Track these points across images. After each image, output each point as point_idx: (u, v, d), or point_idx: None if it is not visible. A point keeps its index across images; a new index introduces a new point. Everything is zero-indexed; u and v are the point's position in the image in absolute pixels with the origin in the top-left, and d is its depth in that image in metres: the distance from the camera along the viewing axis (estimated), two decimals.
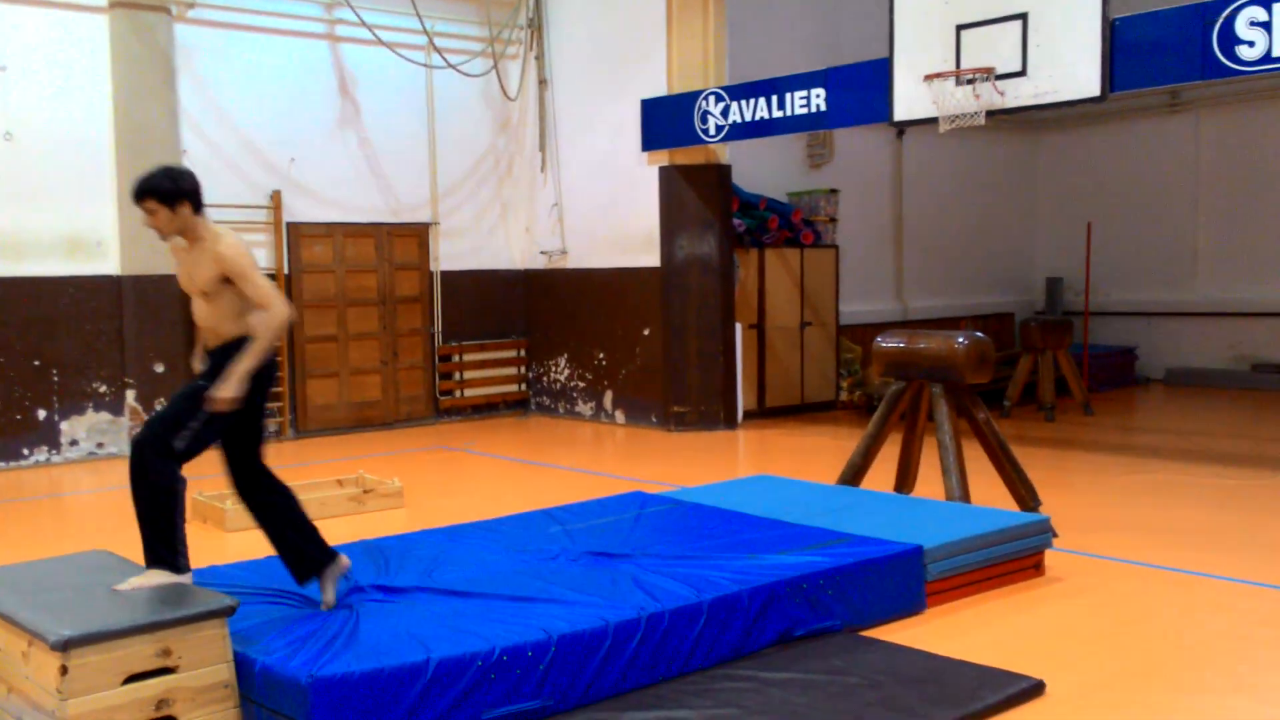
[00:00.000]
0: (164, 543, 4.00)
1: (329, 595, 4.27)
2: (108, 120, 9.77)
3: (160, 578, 3.96)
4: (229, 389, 4.02)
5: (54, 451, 9.63)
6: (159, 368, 10.04)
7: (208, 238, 4.16)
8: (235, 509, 6.93)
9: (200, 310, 4.22)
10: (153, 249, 9.94)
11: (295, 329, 10.80)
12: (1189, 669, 4.29)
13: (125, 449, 9.89)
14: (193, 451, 4.07)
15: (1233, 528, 6.52)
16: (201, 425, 4.04)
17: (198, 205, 4.20)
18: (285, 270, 10.71)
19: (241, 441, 4.25)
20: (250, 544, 6.40)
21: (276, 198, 10.62)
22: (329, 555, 4.32)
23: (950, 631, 4.73)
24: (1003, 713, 3.85)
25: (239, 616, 3.89)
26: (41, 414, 9.57)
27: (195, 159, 10.19)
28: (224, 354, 4.13)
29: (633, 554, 4.95)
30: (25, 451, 9.49)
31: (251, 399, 4.12)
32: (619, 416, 11.46)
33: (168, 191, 4.14)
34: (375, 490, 7.47)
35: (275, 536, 4.33)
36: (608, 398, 11.57)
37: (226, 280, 4.13)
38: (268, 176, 10.64)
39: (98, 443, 9.82)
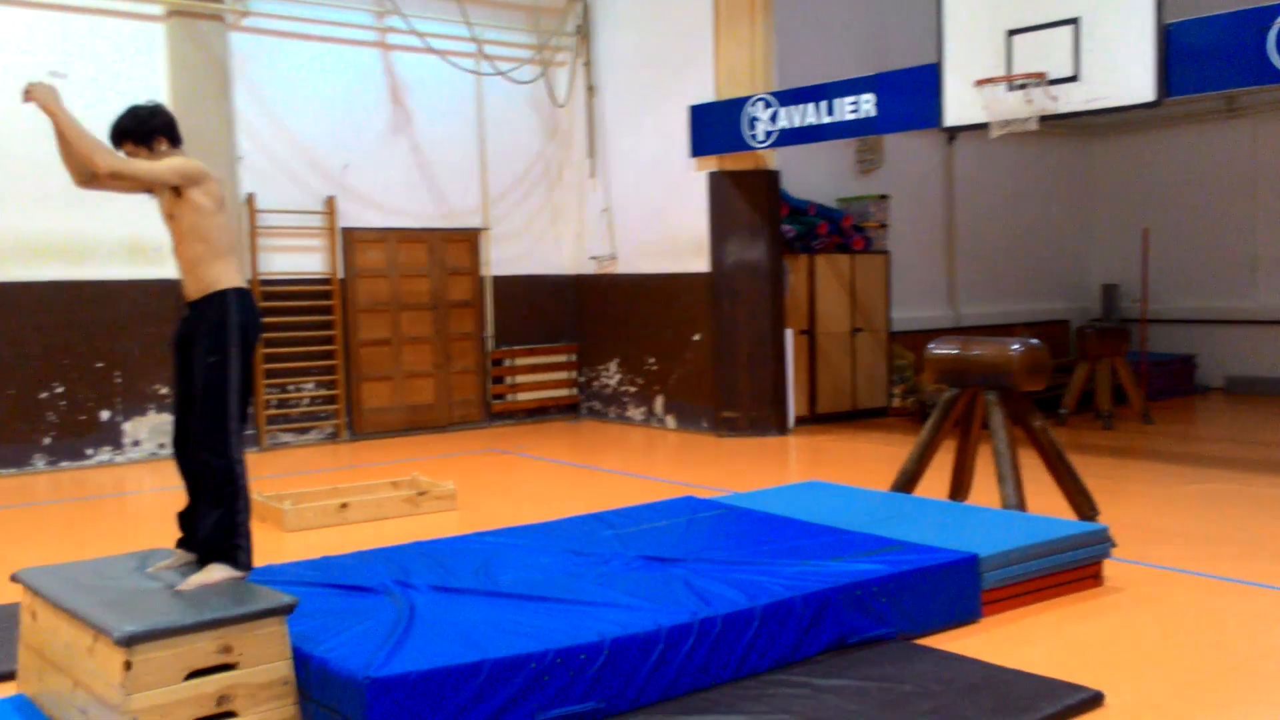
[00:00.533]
0: (226, 536, 4.03)
1: (194, 579, 3.94)
2: None
3: (221, 573, 4.02)
4: (43, 92, 3.95)
5: (117, 451, 9.82)
6: None
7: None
8: (294, 509, 7.03)
9: (176, 248, 4.12)
10: None
11: (350, 333, 10.93)
12: (1250, 682, 4.21)
13: None
14: (241, 428, 4.05)
15: None
16: (233, 401, 4.01)
17: (175, 139, 4.16)
18: (340, 275, 10.84)
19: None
20: (309, 543, 6.50)
21: (331, 204, 10.76)
22: (231, 557, 4.05)
23: (1006, 641, 4.68)
24: None
25: (297, 614, 3.95)
26: (105, 415, 9.76)
27: (251, 165, 10.37)
28: (206, 304, 4.05)
29: (685, 559, 4.95)
30: (89, 451, 9.69)
31: (224, 359, 4.01)
32: (670, 421, 11.46)
33: (141, 131, 4.10)
34: (429, 493, 7.54)
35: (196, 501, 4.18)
36: (658, 403, 11.58)
37: (175, 191, 4.04)
38: (322, 183, 10.79)
39: (159, 443, 9.99)
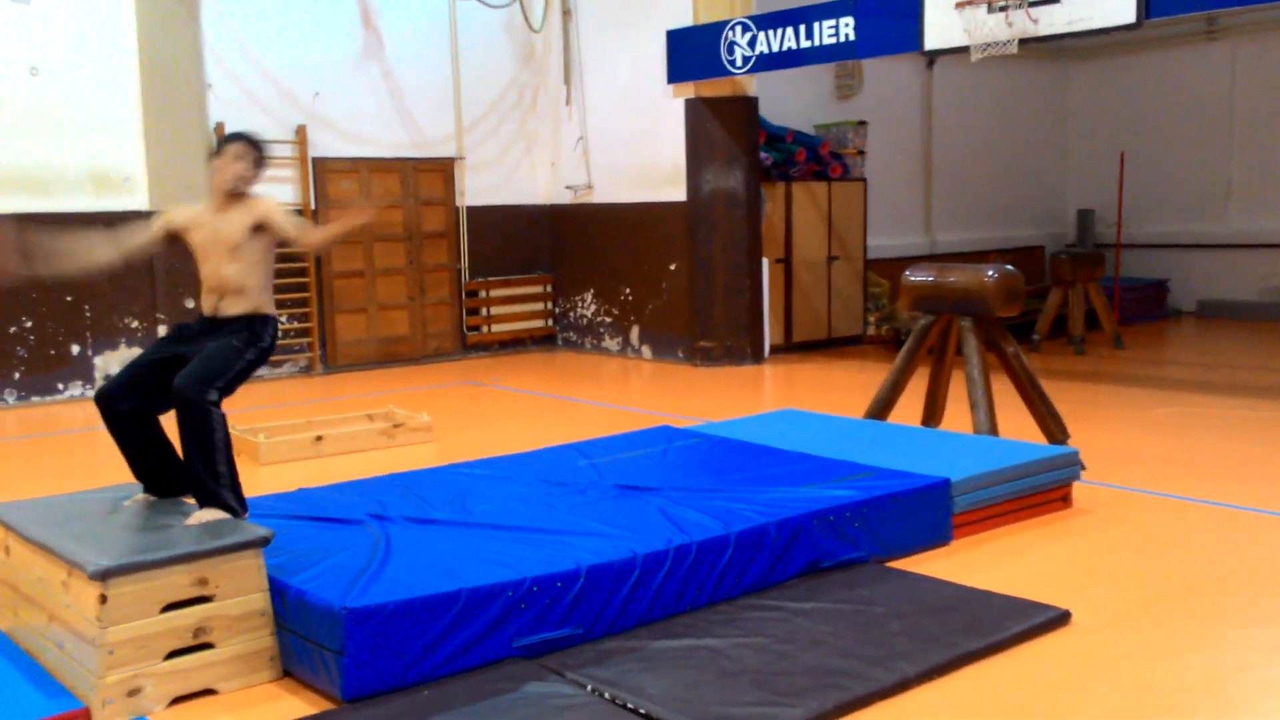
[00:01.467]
0: (210, 484, 4.05)
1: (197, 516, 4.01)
2: (132, 54, 9.75)
3: (216, 515, 4.01)
4: (358, 217, 4.45)
5: (88, 386, 9.76)
6: (190, 303, 10.11)
7: (250, 199, 4.41)
8: (269, 442, 7.02)
9: (222, 270, 4.31)
10: (182, 184, 9.98)
11: (323, 264, 10.84)
12: (1216, 599, 4.30)
13: None
14: (225, 394, 4.16)
15: (1262, 460, 6.49)
16: (234, 376, 4.20)
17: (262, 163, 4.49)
18: (312, 206, 10.71)
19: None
20: (284, 476, 6.50)
21: (301, 133, 10.59)
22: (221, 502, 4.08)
23: (977, 563, 4.76)
24: (1028, 641, 3.88)
25: (274, 547, 3.96)
26: (75, 349, 9.68)
27: (220, 94, 10.19)
28: (232, 322, 4.27)
29: (660, 488, 4.98)
30: (60, 386, 9.63)
31: (243, 353, 4.23)
32: (645, 352, 11.47)
33: (261, 149, 4.44)
34: (405, 424, 7.54)
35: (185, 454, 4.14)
36: (634, 333, 11.58)
37: (258, 229, 4.31)
38: (292, 111, 10.61)
39: None
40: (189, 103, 10.02)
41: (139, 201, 9.86)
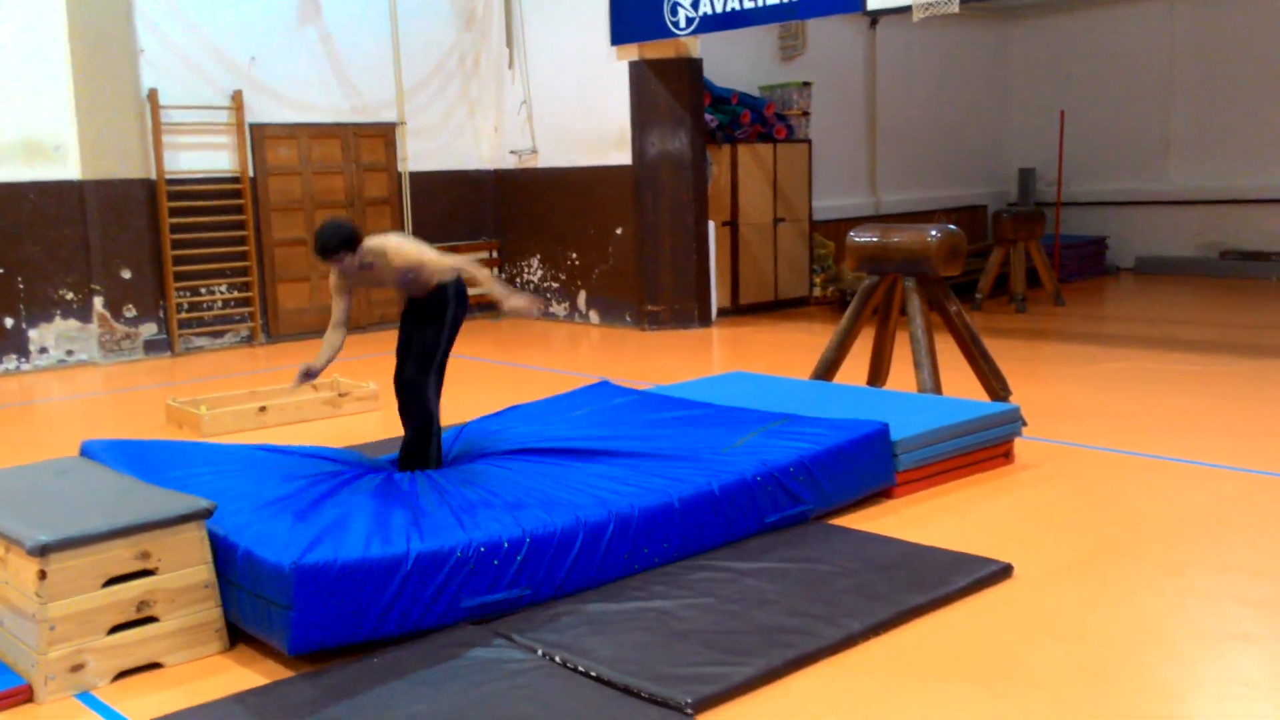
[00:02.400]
0: (420, 464, 4.96)
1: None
2: (60, 19, 9.48)
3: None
4: (518, 299, 5.37)
5: (23, 359, 9.56)
6: (126, 274, 9.93)
7: (376, 253, 5.06)
8: (211, 414, 6.93)
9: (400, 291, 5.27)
10: (116, 153, 9.77)
11: (263, 232, 10.67)
12: (1156, 549, 4.39)
13: (96, 356, 9.83)
14: (439, 381, 5.13)
15: (1198, 413, 6.63)
16: (441, 358, 5.13)
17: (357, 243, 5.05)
18: (250, 173, 10.53)
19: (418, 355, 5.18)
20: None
21: (238, 98, 10.38)
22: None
23: (921, 519, 4.82)
24: (972, 595, 3.94)
25: (222, 509, 3.92)
26: (9, 322, 9.47)
27: (153, 58, 9.95)
28: (426, 301, 5.17)
29: (604, 449, 4.98)
30: None
31: (443, 327, 5.13)
32: (593, 316, 11.45)
33: (351, 239, 4.99)
34: (351, 394, 7.47)
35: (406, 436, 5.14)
36: (581, 298, 11.54)
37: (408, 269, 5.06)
38: (228, 76, 10.40)
39: (67, 350, 9.75)
40: (121, 69, 9.77)
41: (71, 170, 9.63)
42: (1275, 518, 4.72)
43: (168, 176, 10.03)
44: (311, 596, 3.45)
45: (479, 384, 8.51)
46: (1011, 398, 6.39)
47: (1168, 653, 3.48)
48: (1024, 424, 5.68)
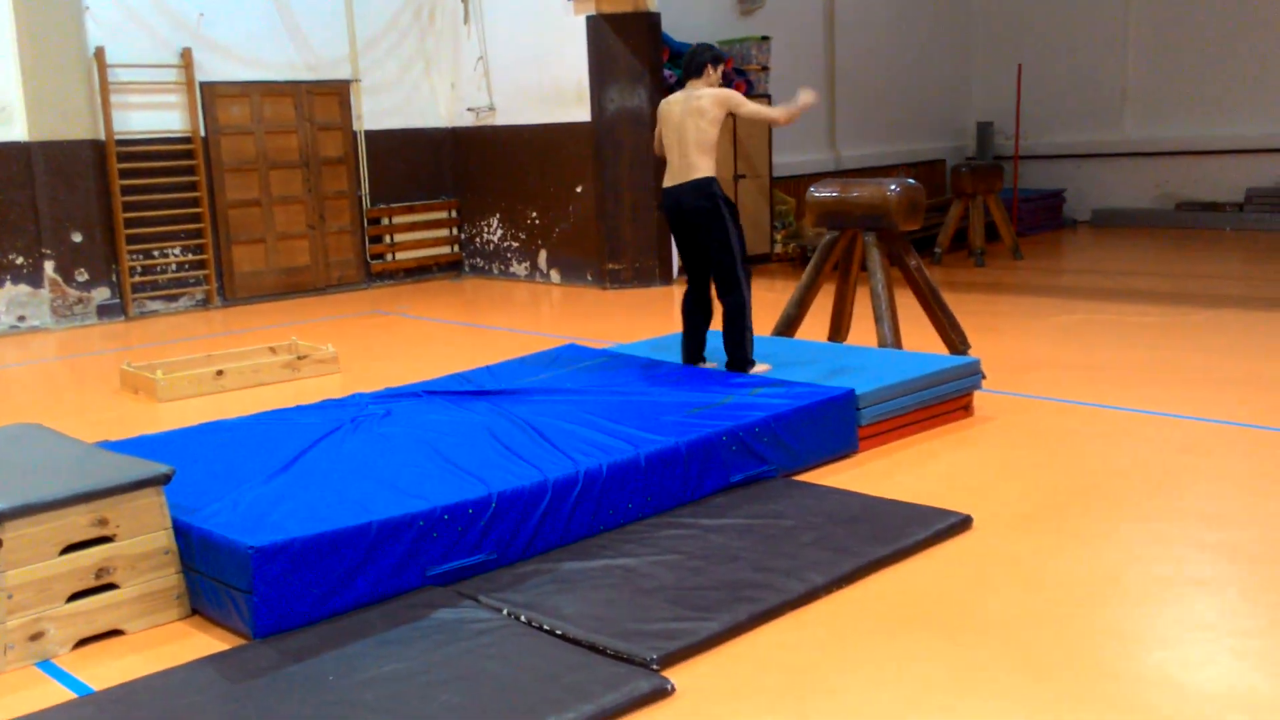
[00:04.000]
0: (741, 356, 5.59)
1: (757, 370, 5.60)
2: None
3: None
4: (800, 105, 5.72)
5: None
6: (77, 237, 9.74)
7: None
8: (167, 378, 6.84)
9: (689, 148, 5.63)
10: (63, 113, 9.55)
11: (216, 193, 10.49)
12: (1114, 498, 4.46)
13: (48, 322, 9.66)
14: (747, 269, 5.64)
15: (1154, 363, 6.72)
16: (741, 253, 5.60)
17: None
18: (202, 133, 10.33)
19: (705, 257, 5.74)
20: (185, 413, 6.35)
21: (187, 56, 10.16)
22: (747, 362, 5.63)
23: (883, 473, 4.86)
24: (933, 546, 3.98)
25: (178, 484, 3.87)
26: None
27: (99, 15, 9.72)
28: (695, 187, 5.59)
29: (569, 409, 4.97)
30: None
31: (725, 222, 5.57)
32: (554, 276, 11.39)
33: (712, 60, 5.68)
34: (309, 356, 7.40)
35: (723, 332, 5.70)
36: (542, 257, 11.47)
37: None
38: (176, 33, 10.17)
39: (19, 316, 9.57)
40: (66, 26, 9.53)
41: (17, 132, 9.41)
42: (1230, 465, 4.80)
43: (117, 137, 9.82)
44: (273, 578, 3.42)
45: (441, 345, 8.45)
46: (971, 351, 6.44)
47: (1126, 599, 3.54)
48: (983, 377, 5.73)
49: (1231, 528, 4.08)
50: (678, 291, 10.42)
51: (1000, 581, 3.71)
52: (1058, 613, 3.46)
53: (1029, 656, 3.18)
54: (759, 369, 5.63)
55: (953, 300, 6.93)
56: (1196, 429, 5.34)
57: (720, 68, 5.70)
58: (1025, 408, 5.82)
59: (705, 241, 5.65)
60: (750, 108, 5.59)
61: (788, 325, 6.74)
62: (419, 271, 12.03)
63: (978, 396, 5.76)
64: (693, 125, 5.57)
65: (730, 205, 5.62)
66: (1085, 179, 14.52)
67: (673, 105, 5.70)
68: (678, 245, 5.86)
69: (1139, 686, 2.99)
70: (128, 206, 9.95)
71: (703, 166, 5.59)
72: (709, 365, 5.87)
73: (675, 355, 6.04)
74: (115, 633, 3.58)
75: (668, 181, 5.77)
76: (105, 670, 3.37)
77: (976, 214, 11.26)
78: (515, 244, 11.71)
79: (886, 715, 2.90)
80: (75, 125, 9.63)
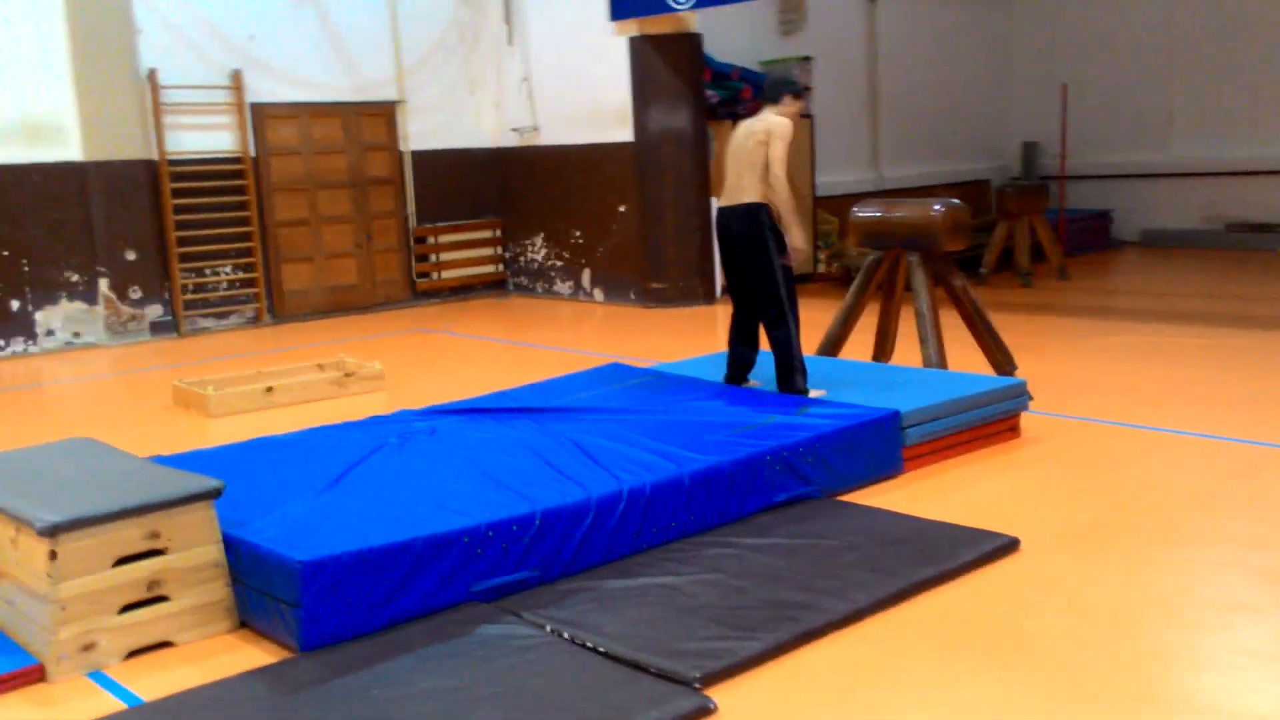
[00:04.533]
0: (789, 376, 5.59)
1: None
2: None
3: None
4: (797, 241, 5.60)
5: (30, 342, 9.57)
6: (130, 255, 9.93)
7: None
8: (218, 394, 6.94)
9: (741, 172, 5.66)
10: (117, 134, 9.75)
11: (266, 212, 10.66)
12: (1160, 522, 4.40)
13: (102, 338, 9.85)
14: (792, 298, 5.60)
15: (1203, 385, 6.63)
16: (785, 282, 5.58)
17: (799, 94, 5.76)
18: (252, 153, 10.51)
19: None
20: (235, 428, 6.44)
21: (238, 78, 10.35)
22: (799, 393, 5.58)
23: (928, 494, 4.83)
24: (979, 569, 3.95)
25: (228, 499, 3.93)
26: (15, 305, 9.48)
27: (151, 38, 9.92)
28: (744, 211, 5.60)
29: (613, 428, 4.99)
30: (1, 343, 9.43)
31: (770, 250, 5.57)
32: (597, 295, 11.44)
33: (786, 90, 5.71)
34: (356, 374, 7.48)
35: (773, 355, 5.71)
36: (585, 276, 11.53)
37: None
38: (227, 55, 10.36)
39: (74, 332, 9.76)
40: (120, 49, 9.74)
41: (72, 152, 9.62)
42: (1277, 489, 4.73)
43: (169, 157, 10.01)
44: (320, 591, 3.46)
45: (485, 363, 8.52)
46: (1017, 372, 6.39)
47: (1172, 623, 3.49)
48: (1030, 398, 5.68)
49: (1279, 552, 4.02)
50: (721, 311, 10.43)
51: (1046, 604, 3.68)
52: (1103, 636, 3.42)
53: (1074, 680, 3.15)
54: (814, 394, 5.58)
55: (999, 321, 6.88)
56: (1244, 452, 5.26)
57: (799, 102, 5.71)
58: (1072, 429, 5.77)
59: (748, 265, 5.65)
60: (776, 153, 5.47)
61: (832, 345, 6.72)
62: (464, 290, 12.13)
63: (1024, 418, 5.71)
64: (750, 150, 5.56)
65: (777, 234, 5.59)
66: (1133, 199, 14.36)
67: (740, 128, 5.73)
68: (724, 268, 5.86)
69: (1183, 712, 2.95)
70: (180, 225, 10.13)
71: (752, 191, 5.57)
72: (753, 385, 5.86)
73: (719, 375, 6.04)
74: (165, 644, 3.64)
75: (722, 202, 5.77)
76: (155, 681, 3.42)
77: (1022, 234, 11.17)
78: (559, 263, 11.78)
79: None
80: (129, 145, 9.83)
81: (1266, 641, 3.35)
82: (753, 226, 5.56)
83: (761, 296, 5.62)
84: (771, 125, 5.52)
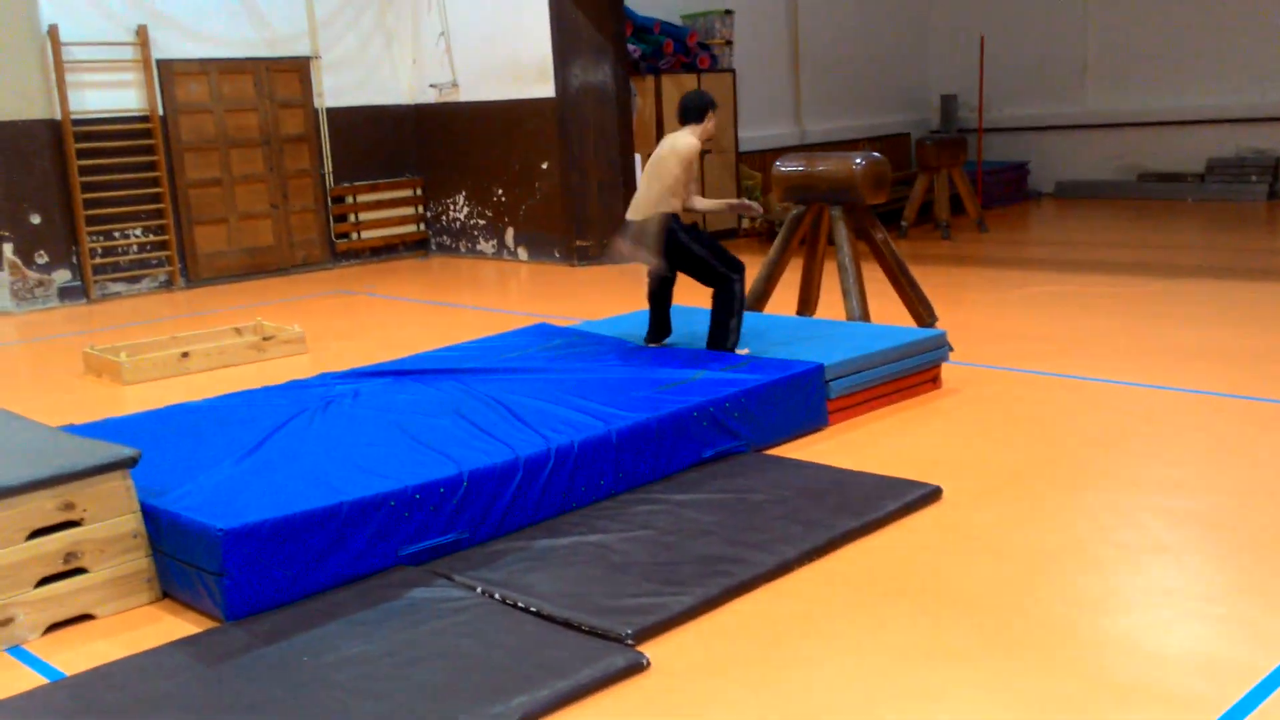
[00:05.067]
0: (721, 336, 5.55)
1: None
2: None
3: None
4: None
5: None
6: (35, 218, 9.60)
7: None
8: (132, 361, 6.77)
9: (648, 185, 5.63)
10: (17, 93, 9.38)
11: (176, 173, 10.36)
12: (1076, 467, 4.51)
13: (8, 305, 9.52)
14: (731, 262, 5.57)
15: (1117, 333, 6.79)
16: (717, 256, 5.56)
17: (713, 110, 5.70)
18: (160, 111, 10.18)
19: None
20: (150, 395, 6.29)
21: (143, 33, 10.00)
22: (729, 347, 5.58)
23: (852, 446, 4.89)
24: (903, 518, 4.02)
25: (145, 468, 3.84)
26: None
27: None
28: (642, 228, 5.56)
29: (540, 387, 4.96)
30: None
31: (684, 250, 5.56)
32: (521, 253, 11.34)
33: (695, 109, 5.66)
34: (276, 337, 7.34)
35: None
36: (509, 235, 11.42)
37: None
38: (131, 11, 10.00)
39: None
40: (17, 4, 9.35)
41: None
42: (1192, 433, 4.87)
43: (73, 116, 9.66)
44: (244, 560, 3.40)
45: (409, 324, 8.41)
46: (938, 323, 6.48)
47: (1091, 566, 3.59)
48: (950, 349, 5.77)
49: (1194, 495, 4.14)
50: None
51: (969, 551, 3.75)
52: (1025, 581, 3.50)
53: (997, 625, 3.22)
54: (741, 353, 5.58)
55: (919, 273, 6.96)
56: (1159, 397, 5.41)
57: (715, 118, 5.70)
58: (992, 379, 5.88)
59: (675, 269, 5.68)
60: (675, 179, 5.49)
61: (756, 300, 6.75)
62: (385, 250, 11.94)
63: (945, 369, 5.81)
64: (666, 165, 5.51)
65: (685, 231, 5.54)
66: (1048, 151, 14.61)
67: (663, 143, 5.66)
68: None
69: (1105, 652, 3.04)
70: (86, 187, 9.80)
71: (658, 203, 5.51)
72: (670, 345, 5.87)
73: (644, 332, 6.03)
74: (86, 617, 3.55)
75: (629, 214, 5.70)
76: (76, 655, 3.35)
77: (941, 187, 11.31)
78: (482, 222, 11.65)
79: (859, 685, 2.94)
80: (29, 104, 9.47)
81: (1182, 581, 3.46)
82: (658, 240, 5.49)
83: (707, 281, 5.61)
84: (681, 152, 5.49)
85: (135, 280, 10.25)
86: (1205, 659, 2.97)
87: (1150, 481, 4.32)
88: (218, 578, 3.41)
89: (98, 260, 9.96)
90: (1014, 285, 8.56)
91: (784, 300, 7.08)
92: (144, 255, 10.25)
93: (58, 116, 9.60)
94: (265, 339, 7.29)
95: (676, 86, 11.38)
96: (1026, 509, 4.09)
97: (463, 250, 11.89)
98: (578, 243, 10.74)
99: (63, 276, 9.79)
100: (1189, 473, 4.39)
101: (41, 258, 9.65)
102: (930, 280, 7.85)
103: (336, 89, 11.38)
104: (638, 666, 3.03)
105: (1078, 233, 11.41)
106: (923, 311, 6.52)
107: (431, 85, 11.66)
